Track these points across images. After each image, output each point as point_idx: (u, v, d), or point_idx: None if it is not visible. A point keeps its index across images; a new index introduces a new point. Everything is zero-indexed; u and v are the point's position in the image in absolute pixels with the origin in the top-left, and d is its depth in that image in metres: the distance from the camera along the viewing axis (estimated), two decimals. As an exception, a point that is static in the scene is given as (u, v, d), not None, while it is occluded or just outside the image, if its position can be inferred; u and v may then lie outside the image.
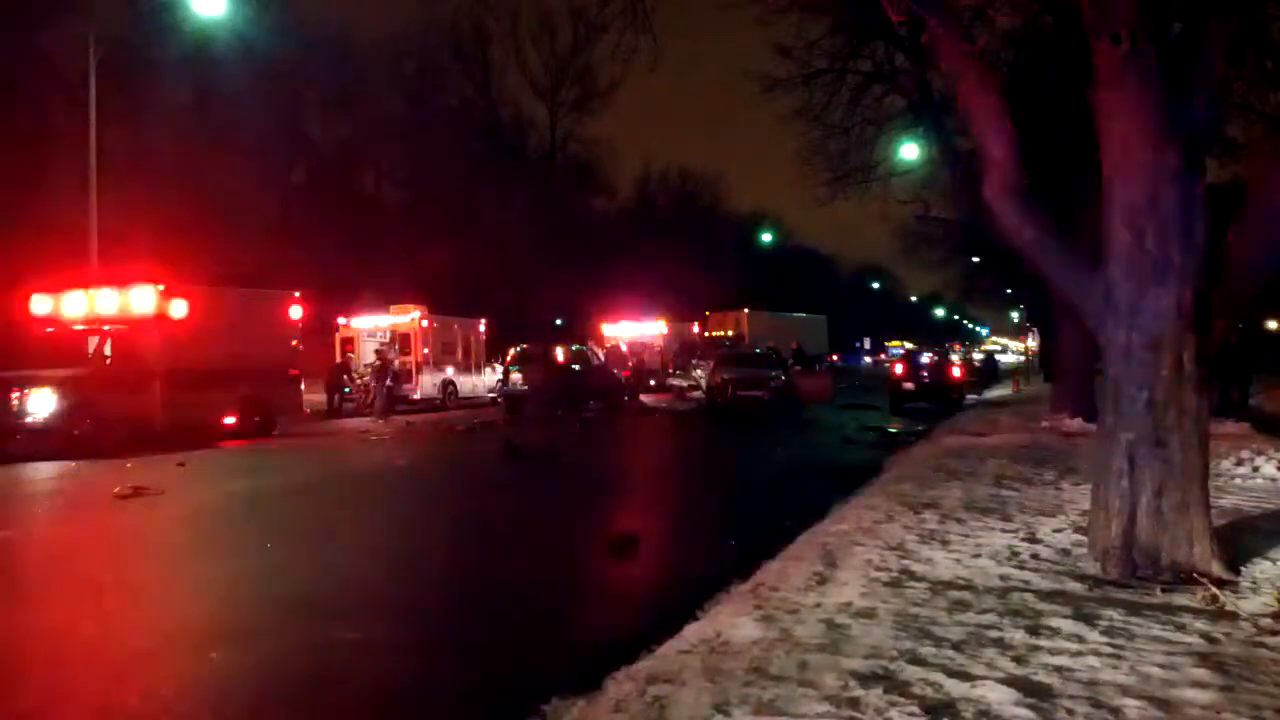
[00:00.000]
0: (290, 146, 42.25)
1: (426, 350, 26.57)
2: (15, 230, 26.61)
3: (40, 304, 17.05)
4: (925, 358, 30.07)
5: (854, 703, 3.60)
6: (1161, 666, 3.91)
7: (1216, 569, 5.23)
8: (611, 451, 16.72)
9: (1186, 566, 5.23)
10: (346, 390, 25.26)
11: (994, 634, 4.40)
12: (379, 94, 44.91)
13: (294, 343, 19.48)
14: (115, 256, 20.15)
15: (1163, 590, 5.06)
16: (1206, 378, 5.45)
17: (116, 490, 10.31)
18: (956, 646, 4.22)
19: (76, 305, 16.86)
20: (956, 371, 27.66)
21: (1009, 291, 45.27)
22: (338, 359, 26.21)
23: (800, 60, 17.04)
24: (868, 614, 4.79)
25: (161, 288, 16.58)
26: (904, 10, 5.67)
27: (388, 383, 23.07)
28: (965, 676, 3.83)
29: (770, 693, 3.75)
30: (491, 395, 27.86)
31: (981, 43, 6.11)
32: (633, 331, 37.63)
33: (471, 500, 10.94)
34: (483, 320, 29.58)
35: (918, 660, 4.05)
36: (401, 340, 26.67)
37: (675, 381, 33.60)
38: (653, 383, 33.09)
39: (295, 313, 19.51)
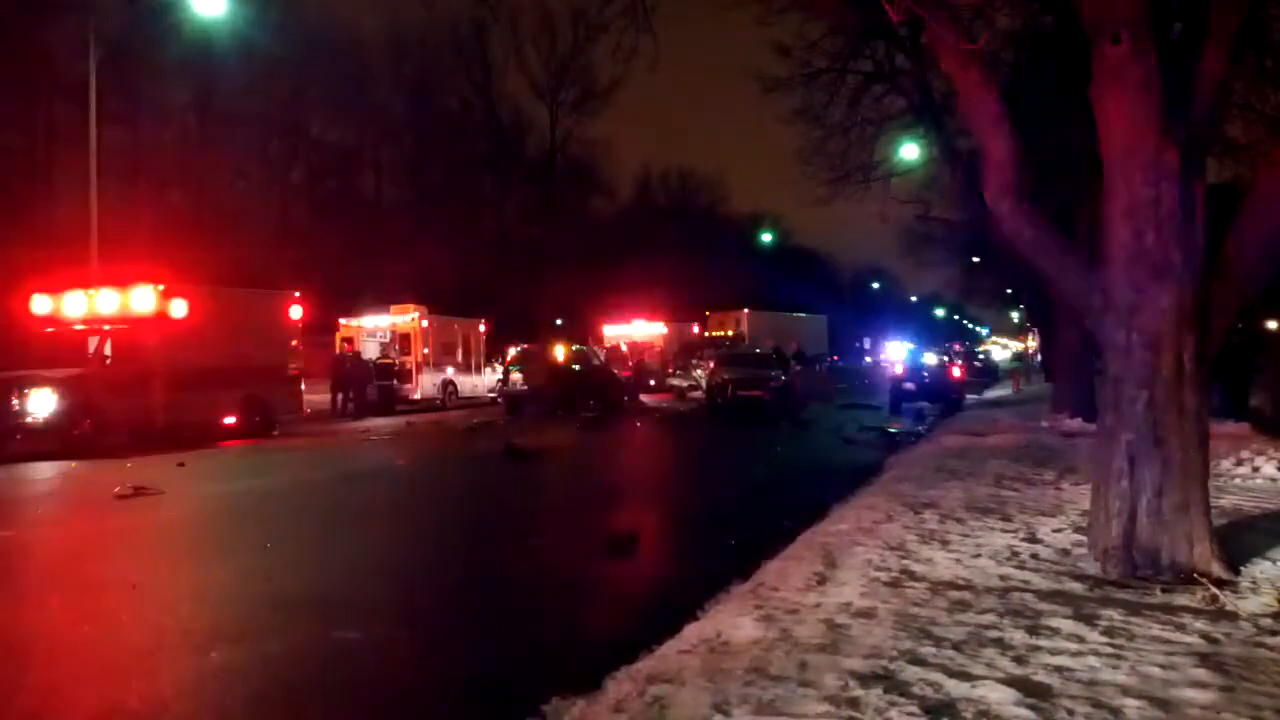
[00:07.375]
0: (290, 146, 42.32)
1: (426, 350, 26.50)
2: (15, 230, 26.65)
3: (40, 304, 17.05)
4: (925, 358, 30.00)
5: (854, 703, 3.60)
6: (1161, 667, 3.91)
7: (1216, 569, 5.23)
8: (611, 451, 16.70)
9: (1186, 567, 5.23)
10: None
11: (994, 634, 4.40)
12: (379, 94, 44.97)
13: (294, 343, 19.50)
14: (115, 256, 20.16)
15: (1163, 590, 5.06)
16: (1206, 378, 5.45)
17: (116, 490, 10.31)
18: (956, 646, 4.22)
19: (77, 305, 16.87)
20: (956, 371, 27.65)
21: (1009, 291, 45.22)
22: (348, 355, 24.65)
23: (800, 60, 17.13)
24: (868, 614, 4.79)
25: (161, 288, 16.60)
26: (904, 10, 5.66)
27: (375, 383, 22.97)
28: (965, 676, 3.83)
29: (770, 693, 3.75)
30: (491, 395, 27.83)
31: (981, 43, 6.11)
32: (633, 331, 37.59)
33: (471, 500, 10.94)
34: (483, 320, 29.56)
35: (918, 660, 4.05)
36: (401, 340, 26.61)
37: (675, 381, 33.53)
38: (653, 383, 33.01)
39: (295, 313, 19.54)
